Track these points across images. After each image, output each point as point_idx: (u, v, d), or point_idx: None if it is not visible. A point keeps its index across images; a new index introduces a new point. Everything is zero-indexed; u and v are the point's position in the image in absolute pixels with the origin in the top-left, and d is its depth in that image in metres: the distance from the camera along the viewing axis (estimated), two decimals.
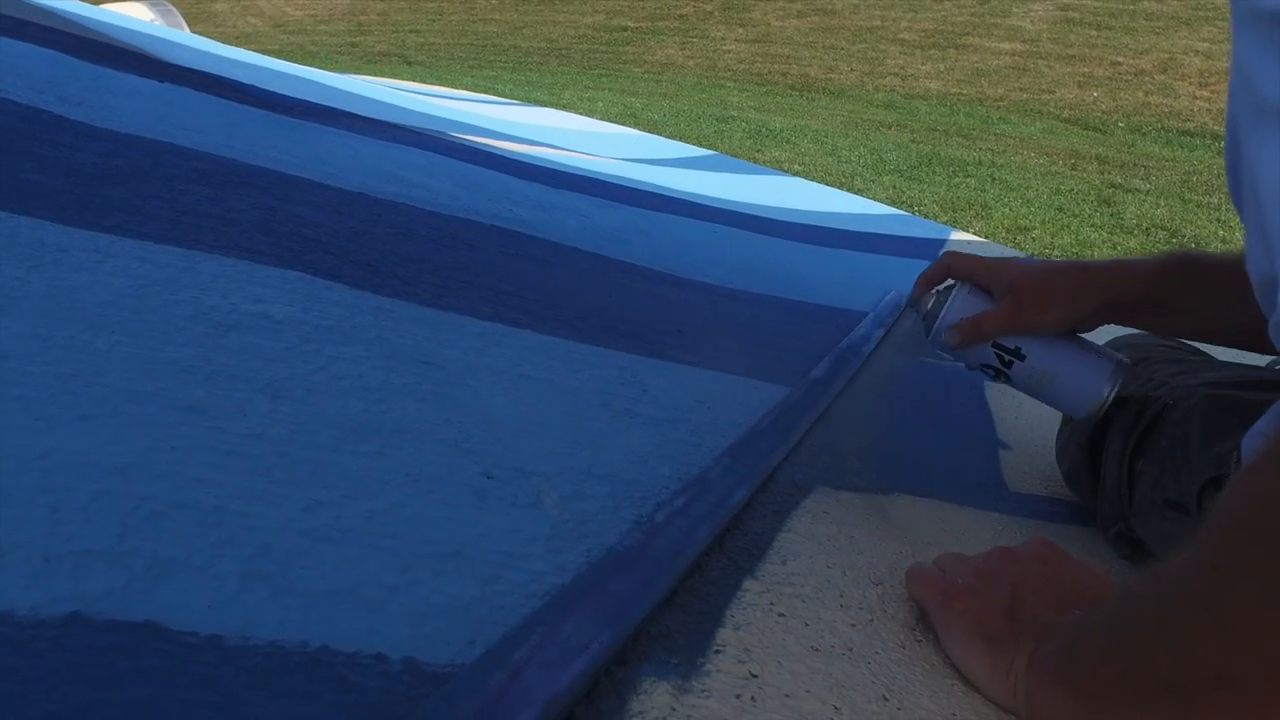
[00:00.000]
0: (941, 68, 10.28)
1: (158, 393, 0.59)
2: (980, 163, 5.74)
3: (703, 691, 0.48)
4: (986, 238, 3.51)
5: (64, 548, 0.42)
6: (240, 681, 0.38)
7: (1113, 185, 5.22)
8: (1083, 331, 0.81)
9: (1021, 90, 9.32)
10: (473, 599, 0.49)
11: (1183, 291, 0.75)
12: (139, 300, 0.72)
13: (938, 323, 0.82)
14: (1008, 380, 0.81)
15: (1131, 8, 11.45)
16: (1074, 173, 5.75)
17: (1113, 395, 0.76)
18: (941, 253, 0.90)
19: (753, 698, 0.49)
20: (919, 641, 0.61)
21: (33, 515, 0.43)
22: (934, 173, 5.24)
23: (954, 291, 0.82)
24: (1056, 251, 3.62)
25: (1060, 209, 4.38)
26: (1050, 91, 9.21)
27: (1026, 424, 1.23)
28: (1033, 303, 0.77)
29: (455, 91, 5.40)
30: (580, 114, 5.14)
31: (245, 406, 0.61)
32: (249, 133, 1.54)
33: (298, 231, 1.04)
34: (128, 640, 0.38)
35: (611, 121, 4.99)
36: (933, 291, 0.85)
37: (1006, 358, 0.78)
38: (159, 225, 0.91)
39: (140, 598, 0.41)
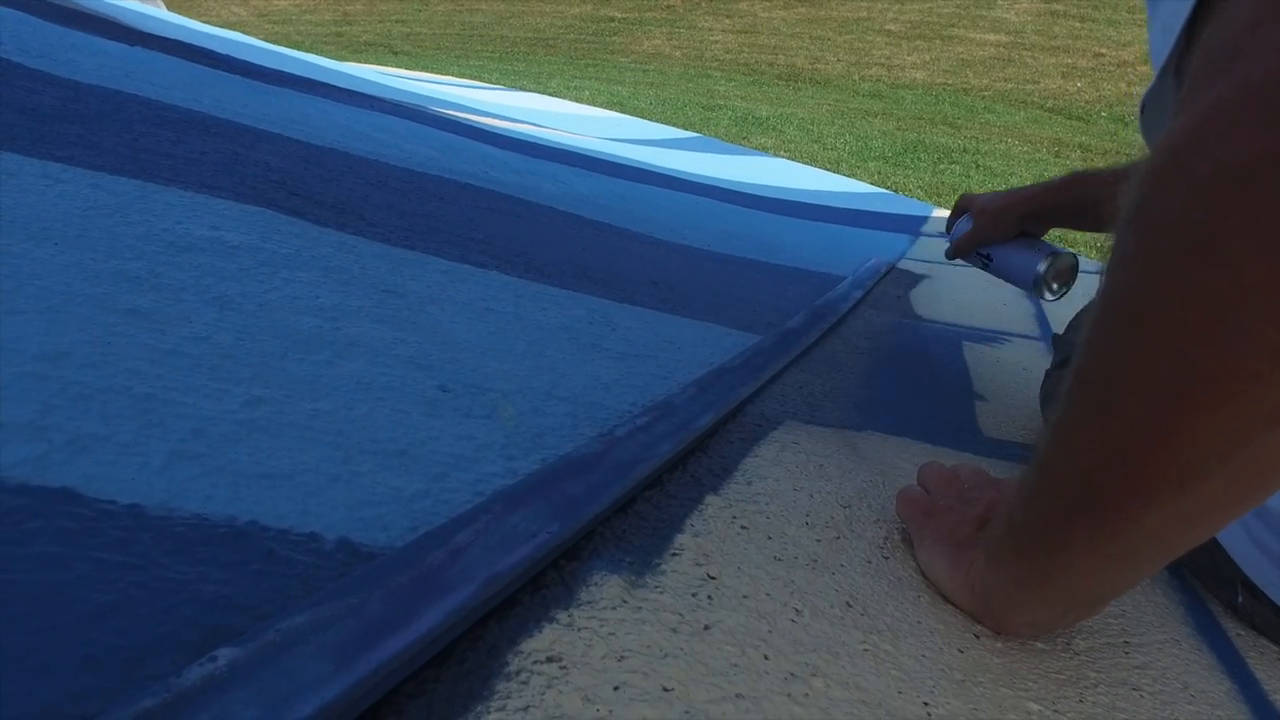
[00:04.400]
0: (927, 58, 10.27)
1: (97, 296, 0.56)
2: (965, 150, 5.73)
3: (657, 588, 0.47)
4: None
5: None
6: (159, 547, 0.36)
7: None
8: (1034, 235, 1.05)
9: (1006, 80, 9.32)
10: (417, 492, 0.47)
11: (1078, 198, 0.98)
12: (86, 220, 0.70)
13: (950, 242, 1.12)
14: (992, 272, 1.07)
15: (1114, 0, 11.47)
16: (1057, 160, 5.75)
17: (1047, 269, 0.98)
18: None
19: (709, 596, 0.47)
20: (886, 559, 0.60)
21: None
22: (919, 159, 5.23)
23: (959, 221, 1.10)
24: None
25: None
26: (1034, 82, 9.22)
27: (1005, 379, 1.21)
28: (983, 224, 1.05)
29: (441, 78, 5.36)
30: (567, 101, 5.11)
31: (191, 315, 0.59)
32: (218, 92, 1.51)
33: (262, 175, 1.02)
34: (40, 502, 0.36)
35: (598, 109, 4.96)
36: (956, 220, 1.12)
37: (982, 260, 1.07)
38: (115, 159, 0.88)
39: (58, 467, 0.38)
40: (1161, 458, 0.38)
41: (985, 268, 1.08)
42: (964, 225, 1.08)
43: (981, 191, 1.14)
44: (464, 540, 0.41)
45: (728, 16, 12.75)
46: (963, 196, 1.12)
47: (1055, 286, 1.00)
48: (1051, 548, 0.46)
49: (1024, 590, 0.49)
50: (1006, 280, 1.06)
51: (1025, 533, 0.48)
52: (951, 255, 1.11)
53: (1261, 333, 0.33)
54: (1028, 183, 1.11)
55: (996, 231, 1.04)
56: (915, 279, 1.76)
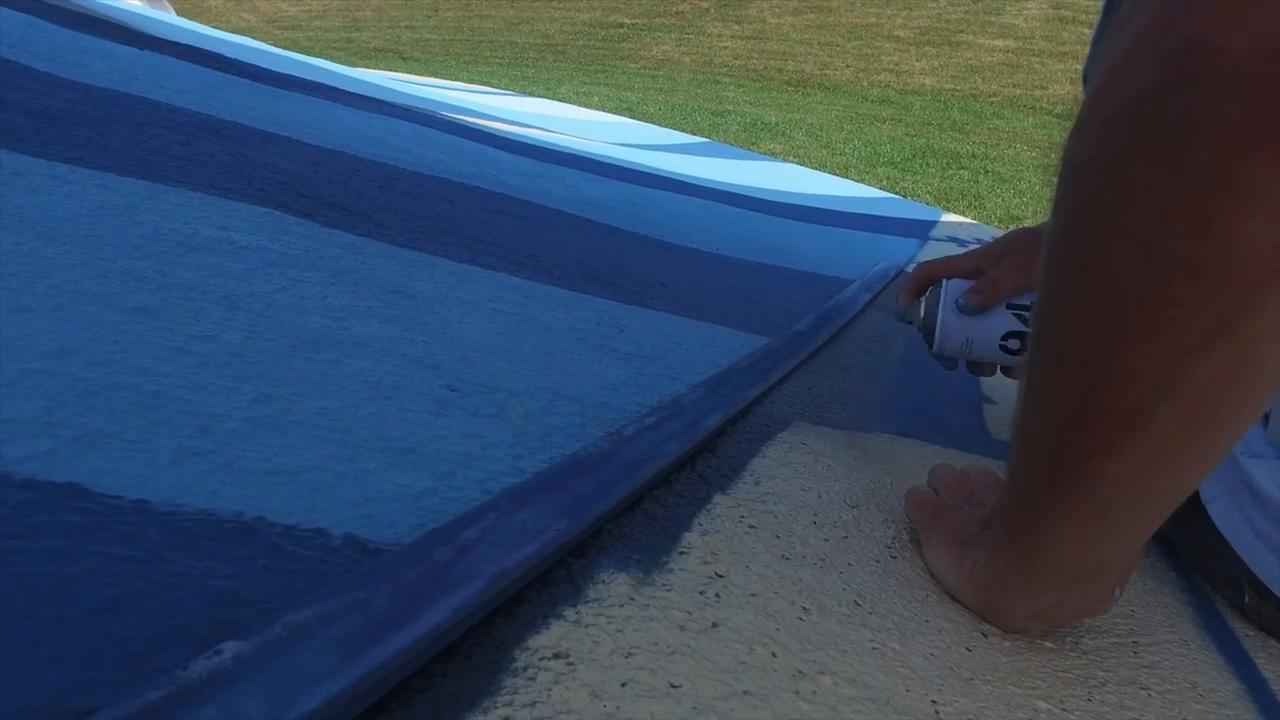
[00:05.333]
0: (936, 64, 10.27)
1: (105, 295, 0.57)
2: (974, 155, 5.74)
3: (664, 585, 0.46)
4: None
5: None
6: (166, 542, 0.36)
7: None
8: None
9: (1015, 86, 9.31)
10: (425, 490, 0.47)
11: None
12: (94, 220, 0.70)
13: (940, 313, 0.79)
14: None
15: None
16: None
17: None
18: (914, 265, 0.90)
19: (717, 595, 0.47)
20: (894, 558, 0.59)
21: None
22: (928, 165, 5.23)
23: (943, 284, 0.80)
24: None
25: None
26: (1043, 87, 9.21)
27: (1011, 382, 1.21)
28: (1011, 267, 0.77)
29: (449, 83, 5.38)
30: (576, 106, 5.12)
31: (199, 313, 0.59)
32: (227, 95, 1.51)
33: (271, 177, 1.02)
34: (46, 497, 0.36)
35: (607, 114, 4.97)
36: (920, 299, 0.84)
37: (1026, 314, 0.76)
38: (124, 161, 0.88)
39: (65, 463, 0.38)
40: (1108, 400, 0.39)
41: (1021, 335, 0.77)
42: (959, 285, 0.79)
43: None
44: (471, 537, 0.41)
45: (736, 23, 12.77)
46: (921, 264, 0.87)
47: None
48: (1034, 519, 0.47)
49: (1017, 572, 0.50)
50: None
51: (1011, 511, 0.49)
52: (976, 306, 0.78)
53: (1176, 255, 0.34)
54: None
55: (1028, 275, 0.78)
56: None
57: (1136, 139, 0.35)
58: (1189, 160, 0.33)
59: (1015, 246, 0.79)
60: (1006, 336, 0.77)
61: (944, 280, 0.81)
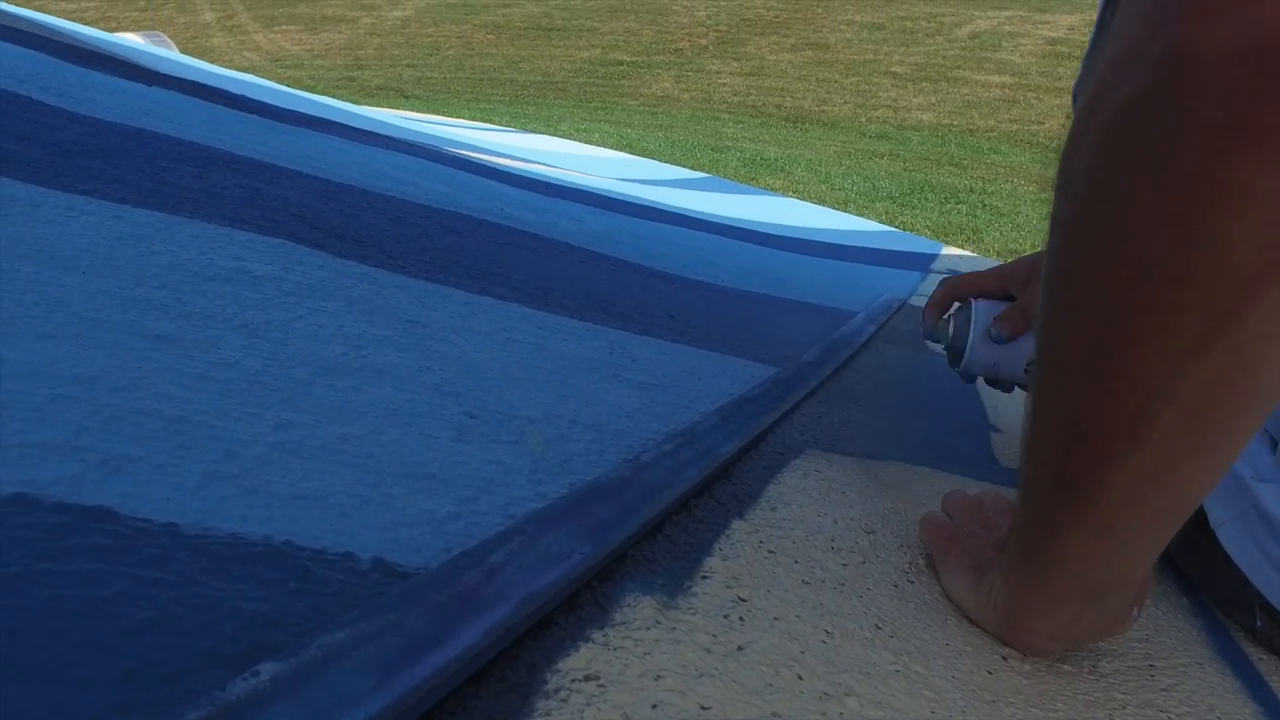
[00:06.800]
0: (933, 100, 10.38)
1: (126, 323, 0.57)
2: (972, 190, 5.78)
3: (689, 609, 0.46)
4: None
5: (12, 440, 0.40)
6: (196, 565, 0.36)
7: None
8: None
9: (1012, 121, 9.40)
10: (449, 515, 0.47)
11: None
12: (111, 250, 0.70)
13: (970, 336, 0.80)
14: None
15: None
16: None
17: None
18: (939, 280, 0.89)
19: (741, 618, 0.47)
20: (912, 583, 0.59)
21: None
22: (926, 199, 5.27)
23: (973, 304, 0.81)
24: None
25: None
26: (1040, 123, 9.30)
27: (1017, 411, 1.21)
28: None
29: (451, 120, 5.43)
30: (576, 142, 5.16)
31: (219, 341, 0.59)
32: (236, 130, 1.53)
33: (283, 209, 1.03)
34: (77, 520, 0.36)
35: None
36: (945, 316, 0.84)
37: None
38: (138, 193, 0.89)
39: (93, 486, 0.39)
40: (1109, 408, 0.40)
41: None
42: (989, 307, 0.80)
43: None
44: (498, 561, 0.41)
45: (735, 59, 12.92)
46: (948, 280, 0.89)
47: None
48: (1046, 535, 0.47)
49: (1033, 590, 0.50)
50: None
51: (1023, 528, 0.49)
52: (1008, 334, 0.79)
53: (1165, 262, 0.35)
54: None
55: None
56: None
57: (1124, 147, 0.36)
58: (1174, 164, 0.33)
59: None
60: (1032, 362, 0.78)
61: (973, 302, 0.81)
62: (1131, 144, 0.35)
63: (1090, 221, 0.38)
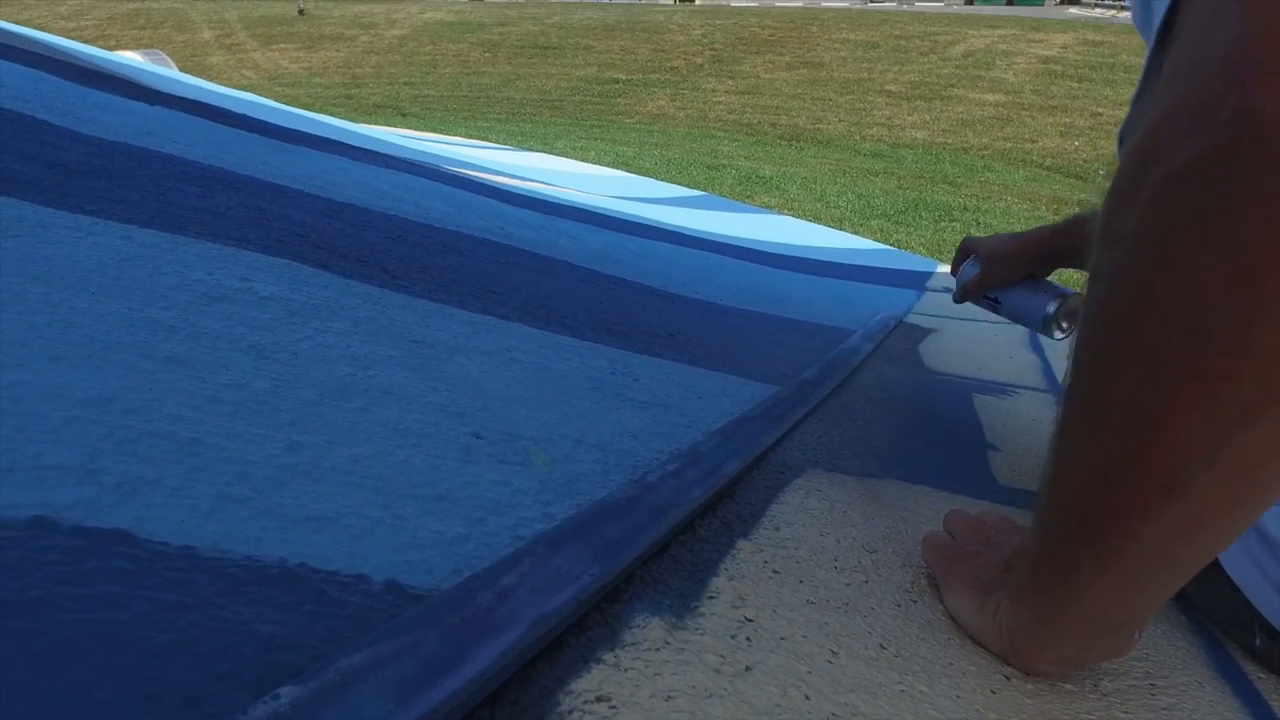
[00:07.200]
0: (927, 118, 10.44)
1: (136, 344, 0.57)
2: (966, 208, 5.80)
3: (697, 630, 0.47)
4: None
5: (30, 463, 0.40)
6: (213, 588, 0.36)
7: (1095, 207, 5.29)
8: (1039, 276, 1.07)
9: (1005, 139, 9.46)
10: (458, 536, 0.47)
11: (1078, 240, 1.00)
12: (120, 270, 0.71)
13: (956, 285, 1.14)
14: (1002, 314, 1.10)
15: (1110, 60, 11.70)
16: (1057, 217, 5.80)
17: (1057, 310, 1.01)
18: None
19: (748, 638, 0.47)
20: (914, 602, 0.60)
21: None
22: (920, 217, 5.30)
23: (964, 264, 1.13)
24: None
25: None
26: (1033, 141, 9.36)
27: (1015, 429, 1.22)
28: (990, 269, 1.07)
29: (449, 138, 5.45)
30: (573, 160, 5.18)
31: (227, 363, 0.60)
32: (238, 149, 1.54)
33: (287, 228, 1.03)
34: (95, 544, 0.36)
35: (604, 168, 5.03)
36: (960, 265, 1.14)
37: (991, 303, 1.10)
38: (143, 213, 0.90)
39: (110, 509, 0.39)
40: (1147, 466, 0.39)
41: (994, 309, 1.11)
42: (970, 269, 1.11)
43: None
44: (510, 583, 0.41)
45: (730, 78, 12.99)
46: (966, 240, 1.14)
47: (1065, 325, 1.04)
48: (1063, 574, 0.46)
49: (1045, 624, 0.50)
50: (1015, 320, 1.10)
51: (1039, 563, 0.49)
52: (960, 299, 1.14)
53: (1221, 330, 0.34)
54: None
55: (1006, 275, 1.07)
56: (923, 332, 1.77)
57: (1184, 209, 0.35)
58: (1241, 233, 0.32)
59: (985, 254, 1.08)
60: (988, 305, 1.11)
61: (970, 258, 1.11)
62: (1193, 207, 0.34)
63: (1141, 281, 0.37)
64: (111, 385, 0.51)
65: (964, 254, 1.14)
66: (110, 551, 0.36)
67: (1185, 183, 0.34)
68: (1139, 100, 0.51)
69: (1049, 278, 1.09)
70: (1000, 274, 1.07)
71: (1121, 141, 0.53)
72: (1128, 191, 0.38)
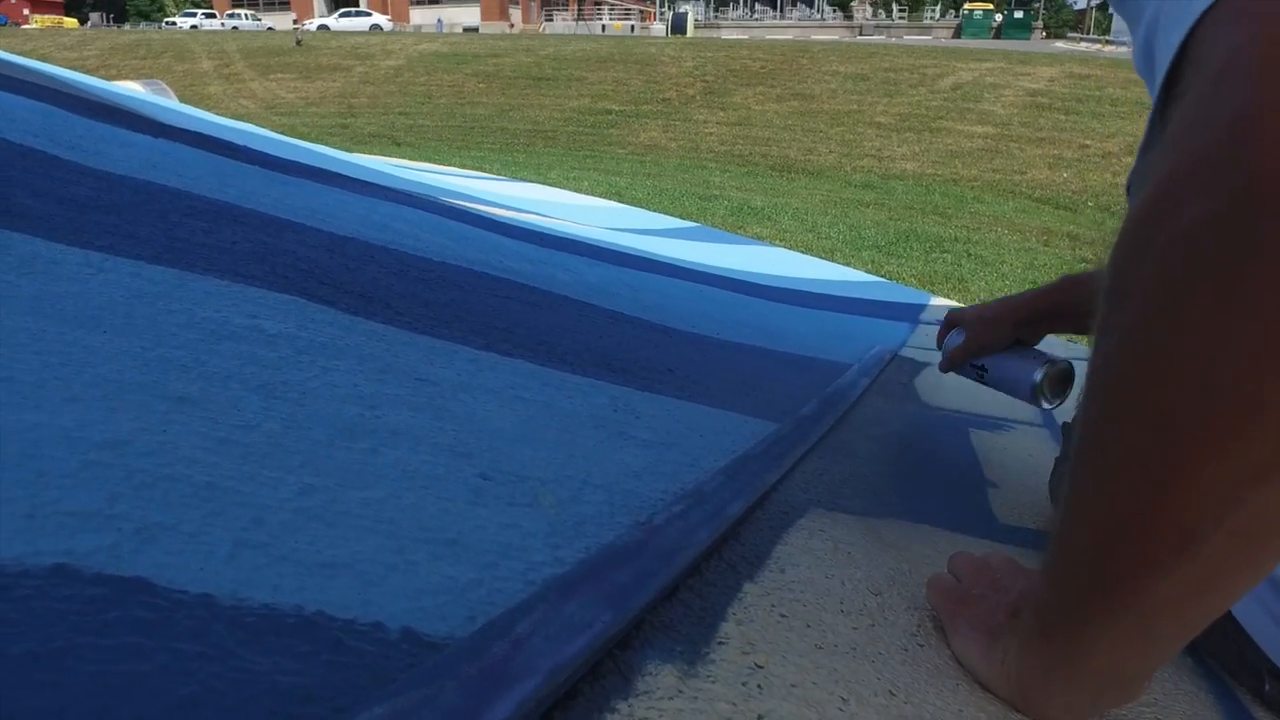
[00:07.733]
0: (917, 150, 10.54)
1: (149, 384, 0.58)
2: (956, 239, 5.84)
3: (708, 677, 0.47)
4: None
5: (50, 508, 0.41)
6: (233, 637, 0.36)
7: (1084, 260, 5.33)
8: (1027, 343, 1.04)
9: (994, 171, 9.55)
10: (471, 582, 0.48)
11: (1066, 302, 0.98)
12: (130, 308, 0.71)
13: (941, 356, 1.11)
14: (989, 383, 1.06)
15: (1098, 94, 11.85)
16: (1046, 249, 5.86)
17: (1043, 378, 0.97)
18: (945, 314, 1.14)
19: (759, 686, 0.48)
20: (921, 646, 0.60)
21: (18, 478, 0.42)
22: (911, 248, 5.32)
23: (949, 334, 1.10)
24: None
25: (1034, 283, 4.45)
26: (1022, 172, 9.45)
27: (1014, 466, 1.23)
28: (975, 335, 1.04)
29: (443, 168, 5.48)
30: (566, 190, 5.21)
31: (238, 403, 0.60)
32: (241, 182, 1.54)
33: (291, 264, 1.04)
34: (116, 592, 0.36)
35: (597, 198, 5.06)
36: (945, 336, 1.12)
37: (977, 372, 1.06)
38: (152, 249, 0.90)
39: (130, 556, 0.39)
40: (1159, 523, 0.39)
41: (981, 379, 1.07)
42: (956, 338, 1.08)
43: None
44: (525, 631, 0.42)
45: (722, 109, 13.10)
46: (950, 313, 1.11)
47: (1050, 395, 1.00)
48: (1072, 626, 0.47)
49: (1054, 674, 0.50)
50: (1003, 390, 1.04)
51: (1048, 614, 0.49)
52: (946, 368, 1.10)
53: (1232, 388, 0.34)
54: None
55: (992, 341, 1.03)
56: (918, 366, 1.78)
57: (1194, 269, 0.35)
58: (1253, 293, 0.33)
59: (970, 324, 1.06)
60: (973, 374, 1.08)
61: (955, 329, 1.09)
62: (1204, 267, 0.34)
63: (1151, 339, 0.37)
64: (127, 427, 0.51)
65: (949, 325, 1.11)
66: (131, 600, 0.36)
67: (1196, 242, 0.35)
68: (1146, 151, 0.51)
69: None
70: (986, 339, 1.03)
71: (1129, 190, 0.54)
72: (1137, 248, 0.38)
